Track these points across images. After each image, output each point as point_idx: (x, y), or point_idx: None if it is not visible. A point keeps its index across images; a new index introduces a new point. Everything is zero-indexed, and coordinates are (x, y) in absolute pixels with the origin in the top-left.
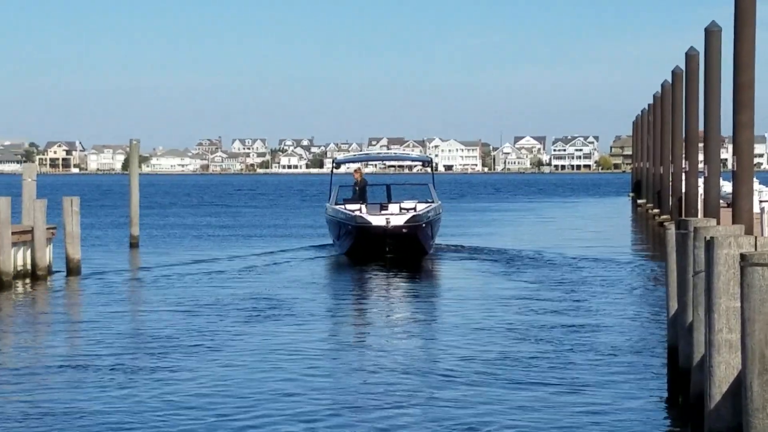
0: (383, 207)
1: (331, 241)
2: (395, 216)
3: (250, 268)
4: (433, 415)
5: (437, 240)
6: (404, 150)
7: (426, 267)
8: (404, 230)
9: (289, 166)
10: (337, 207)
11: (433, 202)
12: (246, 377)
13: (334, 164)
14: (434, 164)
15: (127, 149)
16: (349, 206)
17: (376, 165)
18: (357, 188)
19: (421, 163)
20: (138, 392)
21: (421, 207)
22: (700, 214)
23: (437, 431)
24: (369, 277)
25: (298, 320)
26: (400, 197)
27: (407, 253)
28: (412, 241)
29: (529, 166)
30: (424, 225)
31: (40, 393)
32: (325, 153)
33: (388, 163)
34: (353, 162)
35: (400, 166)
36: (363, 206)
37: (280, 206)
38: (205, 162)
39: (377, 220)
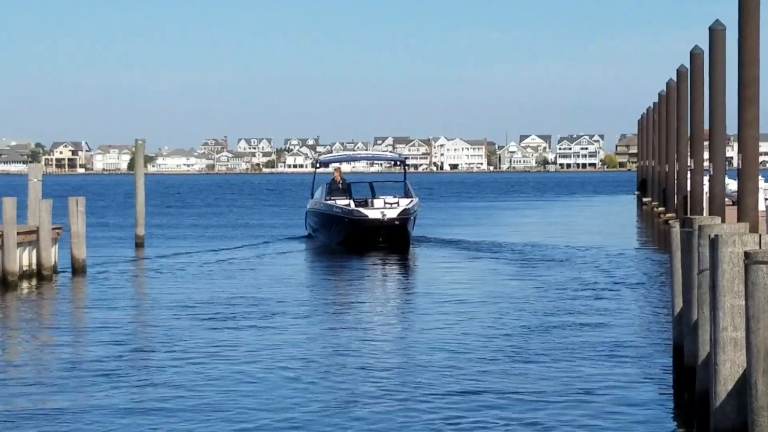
0: (370, 202)
1: (305, 234)
2: (389, 210)
3: (247, 260)
4: (434, 408)
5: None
6: (409, 149)
7: (427, 262)
8: (396, 222)
9: (295, 166)
10: (328, 202)
11: (412, 197)
12: (256, 376)
13: (318, 164)
14: (407, 164)
15: (133, 149)
16: (340, 201)
17: (352, 164)
18: (341, 186)
19: (392, 162)
20: (142, 392)
21: (404, 202)
22: (705, 212)
23: (439, 424)
24: (372, 269)
25: (297, 318)
26: (379, 194)
27: (396, 243)
28: (402, 231)
29: (534, 164)
30: (411, 218)
31: (45, 392)
32: (330, 152)
33: (363, 162)
34: (335, 162)
35: (373, 165)
36: (351, 201)
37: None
38: (211, 162)
39: (373, 214)
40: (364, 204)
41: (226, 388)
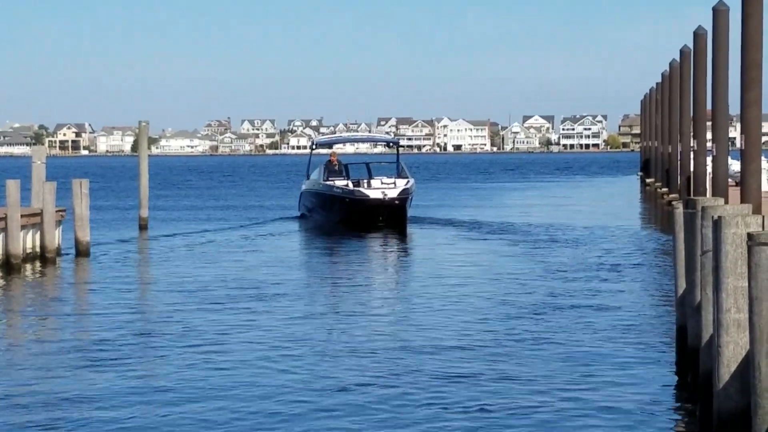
0: (368, 183)
1: (298, 214)
2: (389, 189)
3: (248, 240)
4: (440, 394)
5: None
6: (412, 130)
7: (428, 243)
8: (396, 202)
9: (298, 147)
10: (327, 183)
11: (408, 178)
12: (258, 360)
13: (315, 145)
14: (400, 146)
15: (137, 131)
16: (339, 182)
17: (345, 145)
18: (337, 167)
19: (385, 144)
20: (146, 376)
21: (401, 182)
22: (708, 193)
23: (444, 413)
24: (372, 249)
25: (299, 300)
26: (374, 175)
27: (395, 222)
28: (401, 211)
29: (537, 145)
30: (410, 197)
31: (49, 376)
32: (334, 133)
33: (360, 144)
34: (332, 143)
35: (376, 146)
36: (350, 182)
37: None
38: (215, 143)
39: (374, 194)
40: (363, 184)
41: (229, 372)
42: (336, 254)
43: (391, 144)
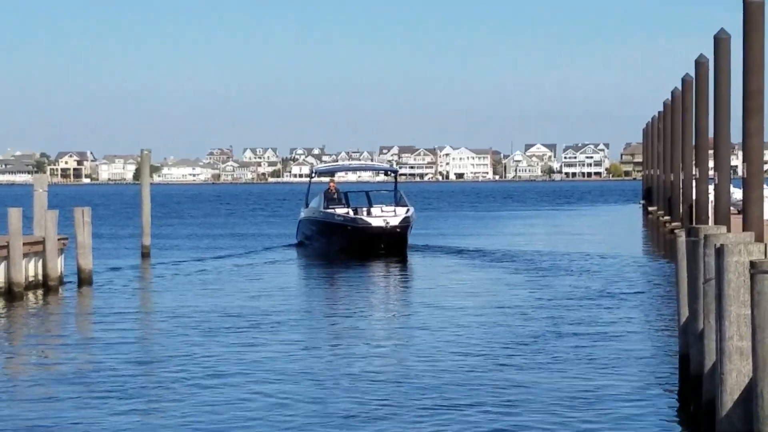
0: (369, 211)
1: (296, 242)
2: (391, 218)
3: (250, 268)
4: (441, 423)
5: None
6: (414, 158)
7: (429, 270)
8: (398, 230)
9: (301, 175)
10: (328, 211)
11: (407, 206)
12: (259, 389)
13: (315, 173)
14: (398, 174)
15: (139, 159)
16: (339, 210)
17: (346, 174)
18: (335, 195)
19: (384, 172)
20: (147, 406)
21: (401, 210)
22: (710, 222)
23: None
24: (373, 277)
25: (301, 328)
26: (374, 202)
27: (396, 250)
28: (402, 239)
29: (539, 173)
30: (411, 225)
31: (48, 405)
32: (336, 161)
33: (358, 173)
34: (331, 172)
35: (378, 175)
36: (349, 210)
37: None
38: (217, 171)
39: (376, 222)
40: (363, 213)
41: (231, 402)
42: (337, 282)
43: (389, 172)
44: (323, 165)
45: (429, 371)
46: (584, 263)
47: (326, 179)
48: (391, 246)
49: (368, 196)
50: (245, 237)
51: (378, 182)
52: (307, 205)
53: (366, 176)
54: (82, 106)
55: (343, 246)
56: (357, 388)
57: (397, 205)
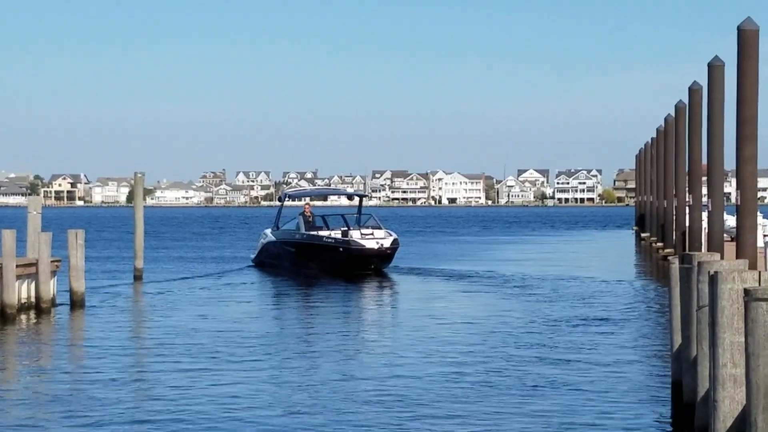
0: (345, 233)
1: (253, 261)
2: (383, 239)
3: (238, 288)
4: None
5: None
6: (407, 182)
7: (424, 295)
8: (389, 251)
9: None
10: (312, 233)
11: (382, 228)
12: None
13: (286, 197)
14: (362, 199)
15: (132, 182)
16: (323, 232)
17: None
18: (311, 218)
19: (349, 197)
20: (138, 429)
21: (380, 233)
22: (704, 248)
23: None
24: (363, 298)
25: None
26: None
27: (382, 269)
28: (390, 259)
29: (532, 199)
30: (398, 247)
31: (36, 429)
32: (329, 185)
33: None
34: (302, 196)
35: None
36: (332, 232)
37: None
38: (210, 194)
39: (370, 243)
40: (355, 234)
41: (220, 425)
42: (329, 303)
43: (353, 197)
44: (293, 189)
45: (414, 396)
46: (576, 289)
47: (298, 203)
48: (379, 265)
49: (344, 218)
50: (237, 259)
51: (344, 206)
52: (277, 228)
53: (343, 199)
54: (76, 129)
55: (334, 266)
56: (347, 411)
57: (362, 227)
